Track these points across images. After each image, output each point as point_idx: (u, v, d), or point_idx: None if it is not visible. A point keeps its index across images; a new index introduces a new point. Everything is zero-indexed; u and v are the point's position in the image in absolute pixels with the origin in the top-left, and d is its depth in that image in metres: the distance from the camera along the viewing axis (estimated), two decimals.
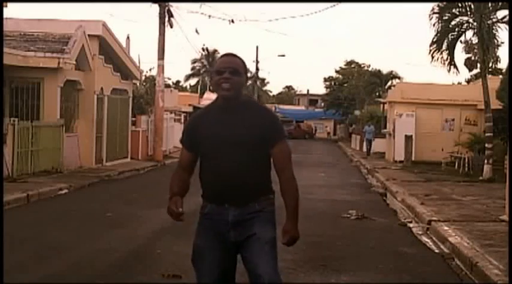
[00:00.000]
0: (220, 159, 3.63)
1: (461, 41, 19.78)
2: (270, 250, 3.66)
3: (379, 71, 50.35)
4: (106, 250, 7.56)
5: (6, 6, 15.74)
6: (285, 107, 70.25)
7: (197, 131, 3.73)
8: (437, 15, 18.64)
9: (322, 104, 64.69)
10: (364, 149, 32.18)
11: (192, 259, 3.77)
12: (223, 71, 3.62)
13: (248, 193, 3.66)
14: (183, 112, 35.14)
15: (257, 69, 56.90)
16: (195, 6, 41.04)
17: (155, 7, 23.93)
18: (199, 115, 3.86)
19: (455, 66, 19.22)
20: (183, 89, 64.07)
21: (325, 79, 60.91)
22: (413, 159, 24.06)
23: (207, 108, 3.90)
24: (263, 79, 71.43)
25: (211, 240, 3.70)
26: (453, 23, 18.78)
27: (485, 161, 18.20)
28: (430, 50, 19.02)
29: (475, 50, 21.13)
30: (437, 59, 18.94)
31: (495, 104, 19.52)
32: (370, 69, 53.04)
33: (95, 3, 49.86)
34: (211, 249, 3.68)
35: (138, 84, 26.34)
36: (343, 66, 58.50)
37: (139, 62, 26.86)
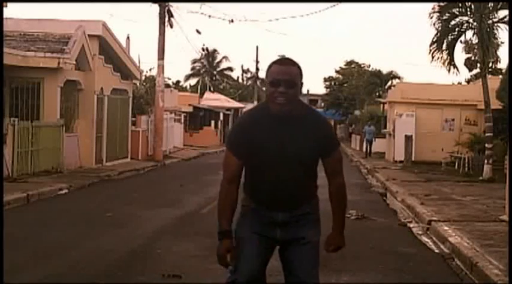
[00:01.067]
0: (275, 172, 3.50)
1: (461, 41, 19.78)
2: (315, 255, 3.69)
3: (379, 70, 50.35)
4: (106, 250, 7.56)
5: (6, 6, 15.75)
6: None
7: (251, 139, 3.48)
8: (437, 14, 18.64)
9: (322, 104, 64.71)
10: (365, 149, 31.99)
11: (236, 246, 3.59)
12: (278, 84, 3.39)
13: (298, 202, 3.65)
14: (183, 112, 35.16)
15: (257, 69, 56.85)
16: (195, 6, 41.14)
17: (155, 7, 23.97)
18: (251, 122, 3.58)
19: (455, 66, 19.23)
20: (183, 89, 63.99)
21: (325, 79, 60.92)
22: (413, 159, 24.07)
23: (259, 114, 3.60)
24: (263, 79, 71.32)
25: (254, 233, 3.60)
26: (453, 23, 18.79)
27: (485, 161, 18.20)
28: (430, 50, 19.02)
29: (475, 50, 21.10)
30: (438, 59, 18.95)
31: (495, 104, 19.53)
32: (370, 69, 53.02)
33: (95, 3, 49.88)
34: (253, 239, 3.59)
35: (138, 84, 26.35)
36: (343, 66, 58.49)
37: (139, 62, 26.88)
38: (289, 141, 3.47)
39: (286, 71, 3.42)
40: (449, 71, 19.18)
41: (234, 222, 3.65)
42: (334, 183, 3.71)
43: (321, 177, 3.75)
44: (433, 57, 19.02)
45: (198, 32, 26.90)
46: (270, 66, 3.51)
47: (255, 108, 3.78)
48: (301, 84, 3.52)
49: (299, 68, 3.50)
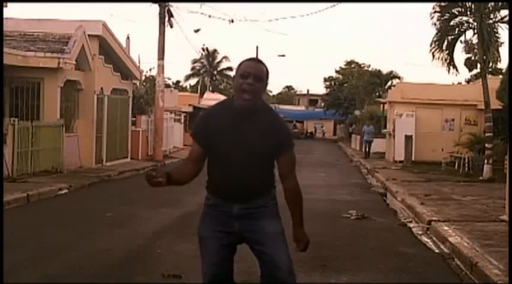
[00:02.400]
0: (231, 163, 3.70)
1: (461, 41, 19.79)
2: (282, 241, 3.81)
3: (379, 71, 50.34)
4: (106, 250, 7.56)
5: (6, 6, 15.75)
6: (285, 107, 70.26)
7: (211, 130, 3.74)
8: (438, 14, 18.65)
9: (322, 104, 64.72)
10: (364, 150, 31.89)
11: (199, 247, 3.87)
12: (247, 76, 3.65)
13: (253, 193, 3.78)
14: (183, 112, 35.14)
15: None
16: (195, 6, 41.13)
17: (155, 7, 23.96)
18: (214, 114, 3.86)
19: (454, 66, 19.23)
20: (183, 89, 64.05)
21: (325, 80, 60.90)
22: (413, 159, 24.06)
23: (222, 106, 3.88)
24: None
25: (214, 229, 3.78)
26: (453, 22, 18.79)
27: (485, 161, 18.20)
28: (431, 50, 19.03)
29: (475, 50, 21.10)
30: (438, 59, 18.95)
31: (495, 104, 19.53)
32: (370, 69, 53.01)
33: (95, 3, 49.90)
34: (214, 237, 3.78)
35: (138, 84, 26.34)
36: (343, 66, 58.47)
37: (139, 62, 26.89)
38: (247, 134, 3.68)
39: (255, 66, 3.72)
40: (449, 71, 19.21)
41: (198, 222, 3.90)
42: (288, 185, 3.83)
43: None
44: (433, 57, 19.04)
45: (195, 31, 26.87)
46: (240, 63, 3.76)
47: (220, 102, 4.01)
48: (266, 84, 3.78)
49: (266, 68, 3.78)
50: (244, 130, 3.69)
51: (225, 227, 3.78)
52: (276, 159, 3.79)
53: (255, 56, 55.40)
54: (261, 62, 3.80)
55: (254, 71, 3.67)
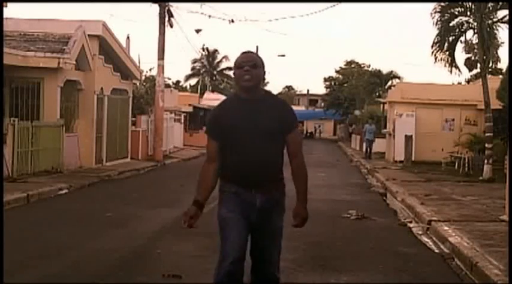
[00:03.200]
0: (246, 147, 3.98)
1: (461, 41, 19.75)
2: (279, 241, 4.17)
3: (379, 71, 50.33)
4: (106, 250, 7.56)
5: (6, 6, 15.75)
6: None
7: (221, 122, 4.06)
8: (438, 14, 18.64)
9: (322, 104, 64.73)
10: (364, 150, 31.62)
11: (221, 227, 4.09)
12: (243, 65, 4.02)
13: (270, 180, 4.07)
14: (183, 112, 35.15)
15: None
16: (195, 6, 41.11)
17: (155, 7, 23.95)
18: (222, 107, 4.20)
19: (456, 67, 19.23)
20: (183, 89, 64.02)
21: (325, 79, 60.92)
22: (413, 159, 24.06)
23: (229, 100, 4.26)
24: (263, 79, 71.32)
25: (236, 214, 4.04)
26: (453, 23, 18.79)
27: (485, 161, 18.20)
28: (432, 51, 19.02)
29: (475, 50, 21.09)
30: (441, 60, 18.95)
31: (495, 104, 19.52)
32: (370, 69, 53.01)
33: (95, 3, 49.91)
34: (238, 221, 4.03)
35: (138, 84, 26.34)
36: (343, 66, 58.48)
37: (139, 62, 26.87)
38: (255, 119, 3.99)
39: (248, 56, 4.11)
40: (451, 71, 19.20)
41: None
42: (294, 162, 4.13)
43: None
44: (435, 58, 19.03)
45: (196, 31, 26.88)
46: (238, 57, 4.14)
47: (225, 99, 4.35)
48: (264, 72, 4.14)
49: (260, 57, 4.16)
50: (253, 116, 3.99)
51: (245, 215, 4.03)
52: (286, 139, 4.06)
53: None
54: (253, 52, 4.19)
55: (248, 60, 4.04)
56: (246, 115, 4.00)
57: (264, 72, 4.15)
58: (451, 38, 18.87)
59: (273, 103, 4.13)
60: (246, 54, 4.13)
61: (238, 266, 3.96)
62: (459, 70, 19.34)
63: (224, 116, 4.07)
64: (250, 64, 4.01)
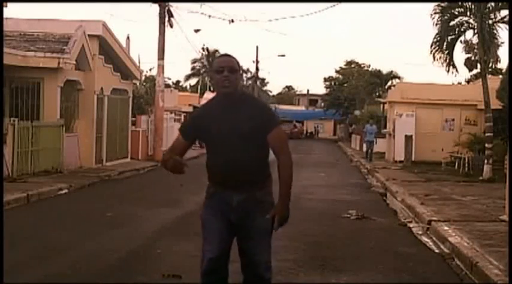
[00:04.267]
0: (225, 150, 4.03)
1: (461, 41, 19.75)
2: (268, 241, 4.12)
3: (379, 71, 50.35)
4: (106, 250, 7.56)
5: (6, 6, 15.74)
6: (285, 107, 70.30)
7: (199, 123, 4.16)
8: (438, 14, 18.64)
9: (322, 104, 64.73)
10: (365, 151, 31.33)
11: (202, 229, 4.17)
12: (222, 70, 4.04)
13: (250, 181, 4.06)
14: (183, 112, 35.15)
15: (257, 69, 56.81)
16: (195, 6, 41.11)
17: (155, 7, 23.96)
18: (202, 111, 4.34)
19: (454, 66, 19.22)
20: (183, 89, 64.05)
21: (325, 79, 60.93)
22: (413, 159, 24.05)
23: (209, 105, 4.31)
24: (263, 79, 71.39)
25: (216, 214, 4.11)
26: (453, 23, 18.78)
27: (485, 161, 18.20)
28: (431, 50, 19.02)
29: (475, 50, 21.09)
30: (439, 59, 18.95)
31: (495, 104, 19.52)
32: (370, 69, 53.02)
33: (95, 3, 49.91)
34: (217, 221, 4.09)
35: (138, 84, 26.34)
36: (343, 66, 58.46)
37: (139, 62, 26.89)
38: (235, 121, 4.03)
39: (227, 60, 4.14)
40: (448, 70, 19.20)
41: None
42: (279, 160, 4.11)
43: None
44: (434, 58, 19.03)
45: (196, 31, 26.87)
46: (213, 62, 4.29)
47: (206, 102, 4.41)
48: (240, 74, 4.26)
49: (236, 59, 4.19)
50: (232, 118, 4.04)
51: (225, 214, 4.09)
52: (267, 138, 4.05)
53: (255, 56, 55.59)
54: (230, 55, 4.22)
55: (226, 64, 4.08)
56: (224, 118, 4.05)
57: (240, 74, 4.26)
58: (450, 38, 18.87)
59: (251, 104, 4.17)
60: (224, 57, 4.20)
61: (216, 265, 4.03)
62: (456, 70, 19.33)
63: (203, 118, 4.18)
64: (228, 69, 4.06)
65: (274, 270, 6.47)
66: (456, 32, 18.90)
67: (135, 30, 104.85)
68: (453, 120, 26.05)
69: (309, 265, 7.00)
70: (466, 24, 18.68)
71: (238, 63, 4.18)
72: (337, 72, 59.30)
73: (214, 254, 4.04)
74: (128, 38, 25.50)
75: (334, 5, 48.52)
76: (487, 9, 18.11)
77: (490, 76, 22.72)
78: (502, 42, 19.76)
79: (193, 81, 69.05)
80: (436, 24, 18.70)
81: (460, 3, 18.46)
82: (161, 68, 24.24)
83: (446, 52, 18.89)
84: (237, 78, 4.11)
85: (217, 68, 4.08)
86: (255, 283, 4.12)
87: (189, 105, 38.13)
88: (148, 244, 8.04)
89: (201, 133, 4.19)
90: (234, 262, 4.23)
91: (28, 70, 16.19)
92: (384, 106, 34.40)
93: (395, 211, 12.12)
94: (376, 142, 27.47)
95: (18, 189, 12.29)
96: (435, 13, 18.68)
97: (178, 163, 4.02)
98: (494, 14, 18.20)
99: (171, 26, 24.27)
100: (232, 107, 4.08)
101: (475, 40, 19.20)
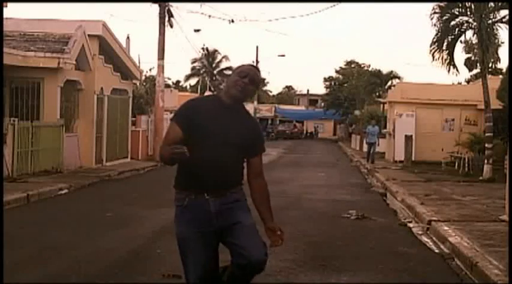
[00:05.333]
0: (210, 151, 3.86)
1: (461, 41, 19.80)
2: (257, 234, 3.97)
3: (379, 71, 50.28)
4: (106, 250, 7.56)
5: (6, 6, 15.74)
6: (285, 107, 70.32)
7: (195, 117, 3.92)
8: (438, 14, 18.65)
9: (322, 104, 64.72)
10: (366, 149, 31.20)
11: (180, 250, 4.02)
12: (245, 76, 3.96)
13: (227, 186, 3.98)
14: None
15: None
16: (195, 6, 41.13)
17: (155, 7, 23.98)
18: (199, 103, 4.11)
19: (454, 66, 19.23)
20: (183, 89, 64.07)
21: (325, 79, 60.89)
22: (413, 159, 24.06)
23: (208, 99, 4.25)
24: (263, 79, 71.45)
25: (194, 232, 3.91)
26: (453, 23, 18.79)
27: (485, 161, 18.20)
28: (431, 50, 19.03)
29: (475, 50, 21.11)
30: (438, 59, 18.95)
31: (495, 104, 19.53)
32: (370, 69, 52.97)
33: (95, 3, 49.92)
34: (195, 240, 3.91)
35: (138, 84, 26.34)
36: (343, 66, 58.45)
37: (139, 62, 26.91)
38: (228, 126, 3.93)
39: (254, 70, 4.08)
40: (449, 71, 19.20)
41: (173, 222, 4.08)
42: (259, 183, 4.11)
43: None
44: (433, 57, 19.04)
45: (195, 30, 26.87)
46: (240, 66, 4.11)
47: (205, 96, 4.35)
48: (256, 89, 4.18)
49: (260, 77, 4.18)
50: (226, 122, 3.93)
51: (204, 227, 3.91)
52: (249, 159, 4.06)
53: (255, 56, 55.56)
54: (257, 68, 4.18)
55: (252, 73, 4.00)
56: (221, 121, 3.92)
57: (255, 91, 4.19)
58: (450, 38, 18.88)
59: (250, 120, 4.14)
60: (251, 67, 4.11)
61: (204, 282, 3.95)
62: (457, 69, 19.34)
63: (199, 113, 3.93)
64: (251, 79, 3.97)
65: (274, 270, 6.49)
66: (456, 32, 18.90)
67: (135, 30, 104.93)
68: (453, 120, 26.06)
69: (309, 265, 7.00)
70: (466, 24, 18.68)
71: (260, 80, 4.15)
72: (337, 72, 59.28)
73: (199, 277, 3.94)
74: (128, 38, 25.58)
75: (334, 5, 48.58)
76: (487, 9, 18.11)
77: (490, 76, 22.75)
78: (502, 42, 19.79)
79: (193, 81, 69.14)
80: (435, 25, 18.71)
81: (459, 3, 18.46)
82: (161, 68, 24.25)
83: (447, 52, 18.89)
84: (251, 92, 4.03)
85: (241, 72, 3.98)
86: (256, 265, 3.91)
87: None
88: (148, 244, 8.04)
89: (192, 128, 3.88)
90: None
91: (28, 70, 16.20)
92: (383, 106, 34.41)
93: (395, 211, 12.12)
94: (378, 144, 26.39)
95: (18, 189, 12.29)
96: (434, 13, 18.69)
97: (177, 151, 3.68)
98: (494, 14, 18.20)
99: (171, 26, 24.29)
100: (229, 112, 3.96)
101: (475, 40, 19.20)
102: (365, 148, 32.22)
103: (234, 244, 3.91)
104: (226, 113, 3.96)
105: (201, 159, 3.83)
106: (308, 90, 79.37)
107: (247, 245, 3.87)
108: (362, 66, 55.27)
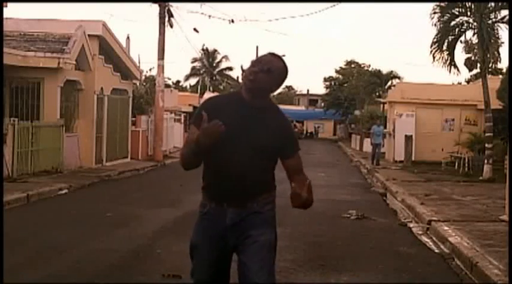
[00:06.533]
0: (231, 158, 3.46)
1: (461, 41, 19.77)
2: (266, 254, 3.51)
3: (379, 71, 50.31)
4: (106, 250, 7.56)
5: (6, 6, 15.74)
6: (285, 107, 70.21)
7: (215, 118, 3.39)
8: (438, 14, 18.65)
9: (322, 104, 64.72)
10: (366, 149, 31.08)
11: (190, 255, 3.68)
12: (255, 64, 3.51)
13: (249, 194, 3.54)
14: (183, 112, 35.14)
15: None
16: (195, 6, 41.12)
17: (155, 7, 23.97)
18: (220, 101, 3.71)
19: (455, 66, 19.23)
20: (183, 89, 64.05)
21: (325, 79, 60.87)
22: (413, 159, 24.05)
23: (230, 97, 3.77)
24: (285, 70, 71.18)
25: (208, 240, 3.58)
26: (453, 23, 18.79)
27: (485, 161, 18.20)
28: (431, 51, 19.03)
29: (475, 50, 21.10)
30: (439, 59, 18.96)
31: (495, 104, 19.53)
32: (370, 69, 52.98)
33: (95, 3, 49.91)
34: (208, 249, 3.58)
35: (138, 84, 26.34)
36: (343, 66, 58.43)
37: (139, 62, 26.91)
38: (252, 132, 3.48)
39: (267, 58, 3.55)
40: (449, 71, 19.20)
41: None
42: (299, 179, 3.55)
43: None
44: (434, 58, 19.04)
45: (195, 30, 26.85)
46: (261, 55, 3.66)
47: (227, 93, 3.85)
48: (274, 79, 3.55)
49: (284, 66, 3.58)
50: (250, 126, 3.49)
51: (219, 240, 3.55)
52: (284, 162, 3.61)
53: (255, 56, 55.62)
54: (278, 56, 3.59)
55: (266, 60, 3.52)
56: (243, 126, 3.47)
57: (276, 80, 3.56)
58: (450, 38, 18.88)
59: (276, 119, 3.60)
60: (268, 55, 3.60)
61: None
62: (458, 69, 19.35)
63: (218, 112, 3.44)
64: (262, 67, 3.48)
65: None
66: (456, 32, 18.91)
67: (135, 30, 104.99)
68: (453, 120, 26.06)
69: (309, 265, 7.00)
70: (466, 24, 18.69)
71: (282, 68, 3.56)
72: (337, 72, 59.26)
73: (202, 279, 3.60)
74: (128, 38, 25.58)
75: (334, 5, 48.59)
76: (487, 9, 18.12)
77: (490, 76, 22.72)
78: (502, 42, 19.78)
79: (193, 81, 69.11)
80: (435, 25, 18.72)
81: (460, 3, 18.46)
82: (161, 68, 24.24)
83: (447, 52, 18.90)
84: (266, 80, 3.48)
85: (254, 62, 3.54)
86: None
87: (189, 105, 38.10)
88: (148, 244, 8.04)
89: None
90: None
91: (28, 70, 16.19)
92: (383, 106, 34.39)
93: (395, 211, 12.12)
94: (383, 144, 25.75)
95: (18, 189, 12.29)
96: (435, 13, 18.70)
97: (211, 126, 3.31)
98: (495, 14, 18.20)
99: (171, 26, 24.28)
100: (255, 114, 3.51)
101: (475, 40, 19.21)
102: (365, 148, 32.32)
103: (240, 261, 3.53)
104: (249, 112, 3.51)
105: (220, 165, 3.48)
106: (308, 90, 79.32)
107: (252, 266, 3.45)
108: (362, 66, 55.25)
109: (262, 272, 3.46)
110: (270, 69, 3.49)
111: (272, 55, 3.60)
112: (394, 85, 40.81)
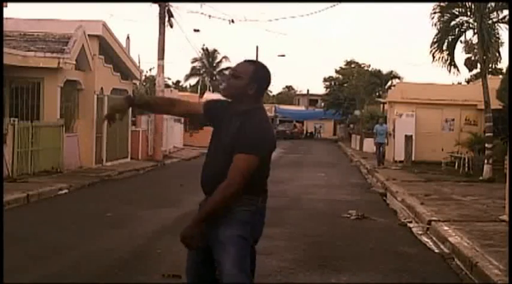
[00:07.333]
0: (206, 159, 3.76)
1: (461, 41, 19.78)
2: (231, 248, 3.59)
3: (379, 71, 50.34)
4: (106, 250, 7.56)
5: (6, 6, 15.74)
6: (285, 107, 70.32)
7: (213, 119, 3.80)
8: (438, 14, 18.66)
9: (322, 104, 64.73)
10: (366, 149, 31.08)
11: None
12: (228, 73, 3.81)
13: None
14: None
15: None
16: (195, 6, 41.14)
17: (155, 7, 23.98)
18: (219, 107, 3.82)
19: (455, 66, 19.23)
20: (183, 89, 64.07)
21: (325, 79, 60.89)
22: (413, 159, 24.05)
23: (223, 104, 3.83)
24: (258, 70, 71.11)
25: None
26: (453, 23, 18.80)
27: (485, 161, 18.20)
28: (431, 50, 19.03)
29: (475, 50, 21.11)
30: (438, 59, 18.96)
31: (495, 104, 19.53)
32: (370, 69, 53.00)
33: (95, 3, 49.93)
34: (195, 250, 3.96)
35: (138, 84, 26.34)
36: (343, 66, 58.44)
37: (139, 62, 26.90)
38: (222, 133, 3.65)
39: (238, 64, 3.72)
40: (449, 71, 19.21)
41: None
42: (225, 181, 3.55)
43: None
44: (433, 58, 19.05)
45: (195, 30, 26.87)
46: None
47: (226, 100, 3.93)
48: (251, 83, 3.60)
49: (255, 67, 3.67)
50: (224, 128, 3.64)
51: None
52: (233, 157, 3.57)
53: (255, 56, 55.70)
54: (250, 61, 3.75)
55: (233, 68, 3.72)
56: (221, 126, 3.67)
57: (252, 84, 3.61)
58: (450, 38, 18.88)
59: (246, 120, 3.58)
60: (241, 62, 3.73)
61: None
62: (458, 69, 19.35)
63: (217, 115, 3.76)
64: (232, 73, 3.66)
65: (275, 270, 6.49)
66: (456, 32, 18.91)
67: (135, 30, 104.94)
68: (453, 120, 26.06)
69: (309, 265, 7.00)
70: (466, 24, 18.69)
71: (253, 70, 3.63)
72: (337, 72, 59.27)
73: (193, 279, 4.05)
74: (128, 38, 25.55)
75: (334, 5, 48.57)
76: (487, 9, 18.12)
77: (490, 76, 22.73)
78: (502, 42, 19.78)
79: (193, 81, 69.12)
80: (435, 25, 18.72)
81: (460, 3, 18.47)
82: (161, 68, 24.25)
83: (447, 52, 18.90)
84: (235, 85, 3.60)
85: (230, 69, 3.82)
86: None
87: None
88: (148, 244, 8.04)
89: (210, 122, 3.83)
90: None
91: (28, 70, 16.19)
92: (383, 106, 34.39)
93: (395, 211, 12.12)
94: (387, 144, 25.09)
95: (18, 189, 12.29)
96: (435, 13, 18.70)
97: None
98: (496, 14, 18.21)
99: (171, 26, 24.29)
100: (232, 116, 3.64)
101: (475, 40, 19.21)
102: (365, 148, 32.31)
103: (214, 260, 3.74)
104: (229, 116, 3.65)
105: (202, 169, 3.78)
106: (308, 90, 79.33)
107: (222, 262, 3.63)
108: (362, 66, 55.27)
109: (228, 266, 3.58)
110: (235, 74, 3.63)
111: (245, 61, 3.74)
112: (394, 85, 40.83)
